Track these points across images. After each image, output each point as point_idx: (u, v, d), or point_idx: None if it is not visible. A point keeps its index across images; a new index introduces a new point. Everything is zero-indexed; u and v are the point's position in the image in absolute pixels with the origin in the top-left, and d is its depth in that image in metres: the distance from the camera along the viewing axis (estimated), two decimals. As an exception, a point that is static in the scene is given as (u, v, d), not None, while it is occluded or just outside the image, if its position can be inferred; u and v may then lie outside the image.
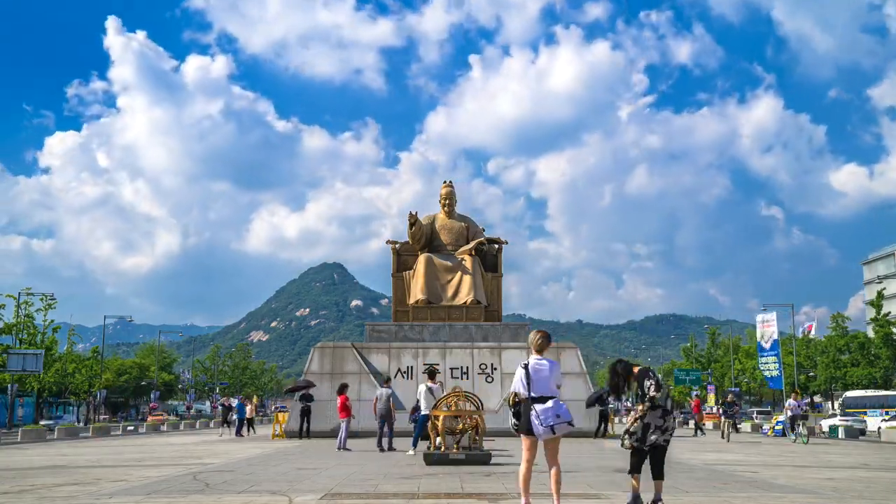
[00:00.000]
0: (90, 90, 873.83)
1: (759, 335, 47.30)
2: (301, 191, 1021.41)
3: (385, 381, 19.99)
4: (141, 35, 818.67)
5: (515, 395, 7.54)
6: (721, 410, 30.68)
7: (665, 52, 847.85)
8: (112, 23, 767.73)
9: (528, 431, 7.37)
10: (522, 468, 7.55)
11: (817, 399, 78.93)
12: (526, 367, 7.50)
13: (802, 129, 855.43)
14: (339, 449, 18.82)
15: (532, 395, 7.35)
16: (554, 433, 7.29)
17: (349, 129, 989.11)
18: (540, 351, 7.61)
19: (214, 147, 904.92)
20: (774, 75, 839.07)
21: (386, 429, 18.66)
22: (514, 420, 7.55)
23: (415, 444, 17.70)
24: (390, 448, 18.31)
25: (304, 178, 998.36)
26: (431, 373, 18.18)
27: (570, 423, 7.36)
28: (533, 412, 7.29)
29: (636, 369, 8.36)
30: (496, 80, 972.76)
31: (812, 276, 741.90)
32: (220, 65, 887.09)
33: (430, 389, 17.26)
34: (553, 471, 7.44)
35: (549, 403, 7.30)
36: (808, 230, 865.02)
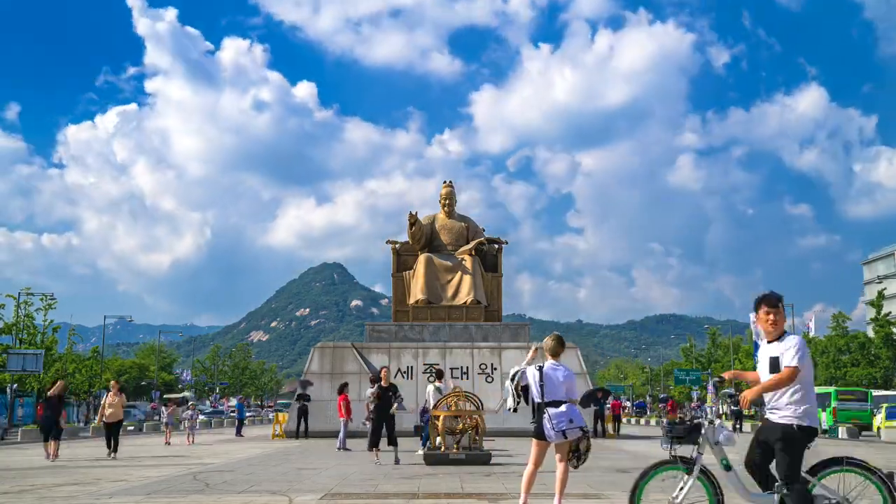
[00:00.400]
0: (120, 78, 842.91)
1: (753, 334, 47.33)
2: (333, 183, 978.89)
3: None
4: (171, 14, 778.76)
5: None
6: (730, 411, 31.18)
7: (711, 47, 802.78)
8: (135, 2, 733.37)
9: (539, 435, 7.37)
10: (528, 469, 7.52)
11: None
12: (540, 369, 7.47)
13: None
14: (338, 449, 18.88)
15: (545, 399, 7.34)
16: (566, 437, 7.27)
17: (392, 119, 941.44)
18: (555, 356, 7.60)
19: (252, 136, 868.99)
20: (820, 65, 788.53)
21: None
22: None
23: (424, 444, 17.76)
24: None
25: (338, 169, 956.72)
26: (440, 373, 18.82)
27: (582, 429, 7.35)
28: (545, 416, 7.27)
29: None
30: (551, 64, 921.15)
31: (834, 275, 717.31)
32: (259, 49, 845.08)
33: (438, 389, 17.36)
34: (560, 468, 7.43)
35: (563, 408, 7.27)
36: (838, 229, 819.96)
